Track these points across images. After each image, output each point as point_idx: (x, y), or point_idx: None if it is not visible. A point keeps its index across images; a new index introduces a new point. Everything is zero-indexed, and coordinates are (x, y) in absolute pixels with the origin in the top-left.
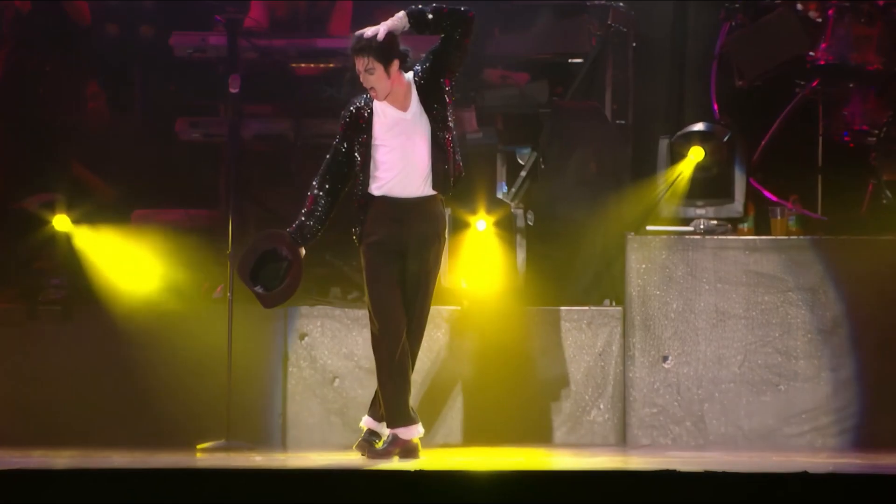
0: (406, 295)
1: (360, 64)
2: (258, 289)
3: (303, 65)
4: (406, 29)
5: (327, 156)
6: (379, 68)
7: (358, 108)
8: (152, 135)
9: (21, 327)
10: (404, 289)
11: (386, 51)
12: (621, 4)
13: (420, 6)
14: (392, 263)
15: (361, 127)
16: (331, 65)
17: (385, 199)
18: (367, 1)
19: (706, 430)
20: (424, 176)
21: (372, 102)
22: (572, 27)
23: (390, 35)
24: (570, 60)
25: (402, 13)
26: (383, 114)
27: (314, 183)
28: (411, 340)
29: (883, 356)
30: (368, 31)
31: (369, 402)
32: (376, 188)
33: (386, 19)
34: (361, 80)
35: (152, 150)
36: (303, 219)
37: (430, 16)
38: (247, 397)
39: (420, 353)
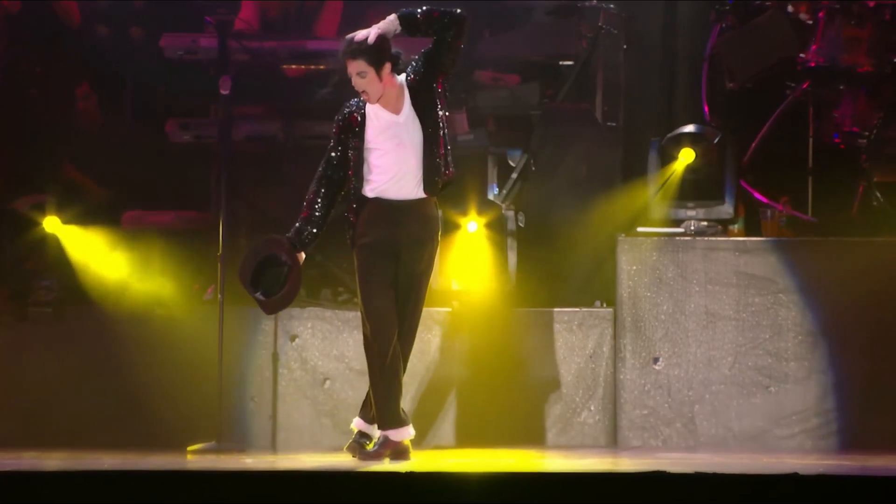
0: (398, 297)
1: (352, 68)
2: (259, 295)
3: (293, 66)
4: (398, 31)
5: (322, 160)
6: (371, 72)
7: (350, 112)
8: (143, 136)
9: (11, 329)
10: (397, 290)
11: (377, 54)
12: (612, 6)
13: (411, 8)
14: (385, 265)
15: (354, 130)
16: (321, 66)
17: (378, 202)
18: (358, 1)
19: (697, 431)
20: (418, 178)
21: (365, 105)
22: (563, 29)
23: (382, 38)
24: (560, 62)
25: (393, 16)
26: (376, 117)
27: (311, 187)
28: (403, 342)
29: (873, 358)
30: (359, 35)
31: (360, 403)
32: (370, 190)
33: (377, 21)
34: (353, 83)
35: (143, 151)
36: (300, 224)
37: (422, 18)
38: (237, 399)
39: (412, 355)
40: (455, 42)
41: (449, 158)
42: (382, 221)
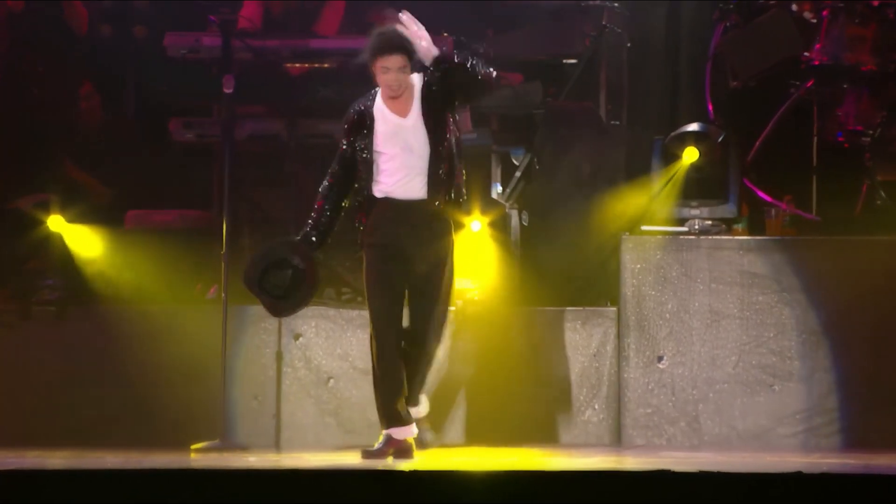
0: (416, 297)
1: (392, 62)
2: (265, 297)
3: (297, 65)
4: (421, 59)
5: (334, 160)
6: (407, 67)
7: (359, 113)
8: (146, 135)
9: (15, 328)
10: (414, 291)
11: (411, 50)
12: (616, 5)
13: (449, 52)
14: (391, 265)
15: (363, 132)
16: (325, 65)
17: (387, 202)
18: (359, 0)
19: (700, 430)
20: (424, 181)
21: (373, 107)
22: (566, 28)
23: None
24: (564, 61)
25: (435, 50)
26: (384, 119)
27: (321, 188)
28: (426, 340)
29: (877, 356)
30: (409, 28)
31: (364, 402)
32: (378, 191)
33: (379, 20)
34: (388, 76)
35: (146, 150)
36: (311, 225)
37: (457, 66)
38: (241, 398)
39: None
40: (476, 97)
41: (456, 161)
42: (390, 222)
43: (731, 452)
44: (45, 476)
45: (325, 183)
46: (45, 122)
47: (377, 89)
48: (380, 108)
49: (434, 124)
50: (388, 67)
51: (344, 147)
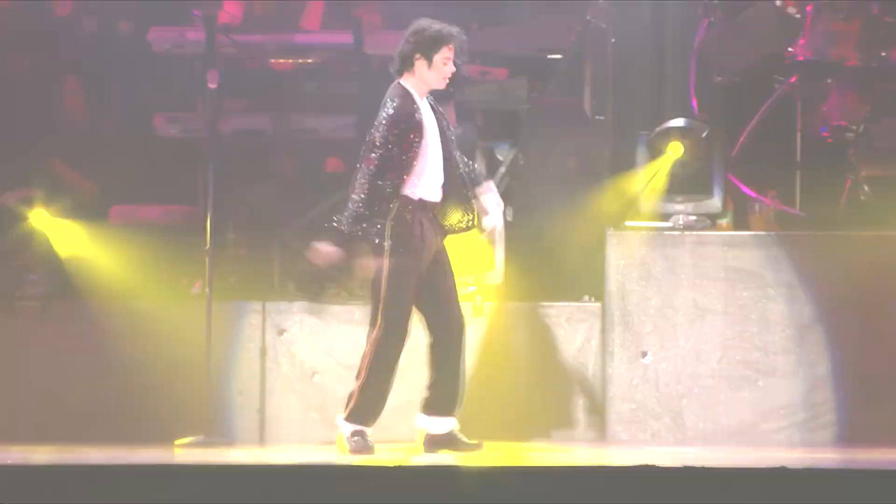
0: (442, 290)
1: (452, 53)
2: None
3: (281, 60)
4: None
5: (376, 159)
6: None
7: (412, 114)
8: (130, 130)
9: None
10: (439, 285)
11: None
12: (600, 0)
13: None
14: (418, 266)
15: (414, 133)
16: (309, 60)
17: (422, 203)
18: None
19: (685, 425)
20: (441, 180)
21: (421, 108)
22: (552, 23)
23: None
24: (549, 56)
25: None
26: (431, 122)
27: (373, 183)
28: (458, 336)
29: (860, 352)
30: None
31: (347, 397)
32: (415, 192)
33: (363, 15)
34: (448, 66)
35: (130, 145)
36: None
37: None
38: (225, 393)
39: (404, 351)
40: None
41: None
42: (426, 224)
43: (716, 447)
44: (30, 472)
45: (370, 186)
46: (30, 116)
47: (407, 87)
48: (426, 109)
49: (444, 123)
50: (449, 57)
51: (391, 148)
